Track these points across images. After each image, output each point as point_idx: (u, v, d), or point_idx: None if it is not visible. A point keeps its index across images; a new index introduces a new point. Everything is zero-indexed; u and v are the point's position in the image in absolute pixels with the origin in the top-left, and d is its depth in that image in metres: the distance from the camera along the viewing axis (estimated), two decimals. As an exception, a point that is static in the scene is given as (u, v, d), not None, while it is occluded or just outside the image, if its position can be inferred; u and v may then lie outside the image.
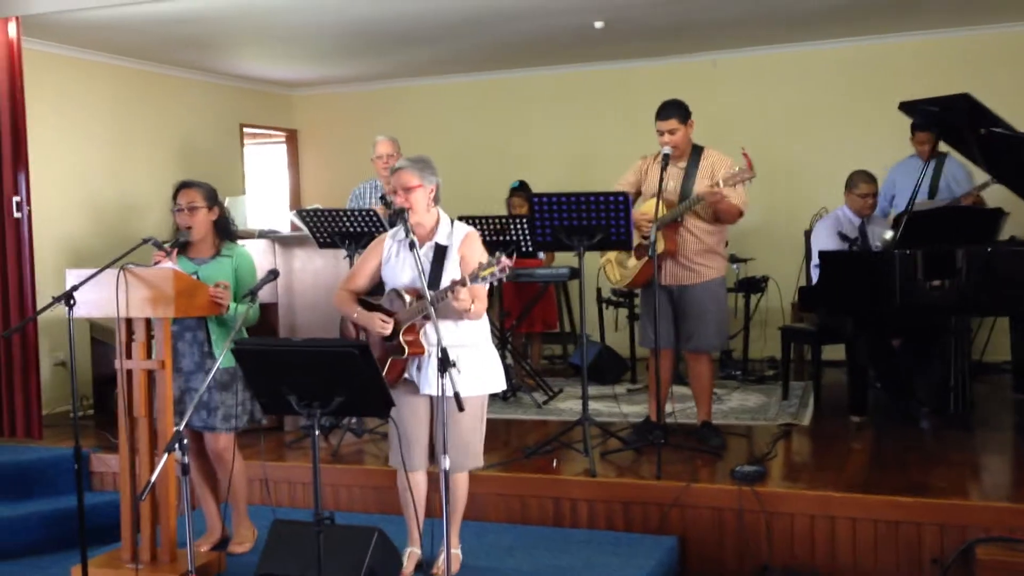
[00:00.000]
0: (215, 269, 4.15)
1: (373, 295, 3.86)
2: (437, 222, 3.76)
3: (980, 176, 6.06)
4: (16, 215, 5.83)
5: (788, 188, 7.78)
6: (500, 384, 3.83)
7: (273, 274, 3.89)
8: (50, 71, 6.89)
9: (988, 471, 4.84)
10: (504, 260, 3.38)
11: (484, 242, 5.86)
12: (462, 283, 3.44)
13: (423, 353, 3.65)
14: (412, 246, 3.57)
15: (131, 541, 4.10)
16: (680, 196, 4.96)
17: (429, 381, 3.68)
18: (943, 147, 6.01)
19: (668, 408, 5.29)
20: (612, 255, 5.20)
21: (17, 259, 5.86)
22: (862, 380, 5.65)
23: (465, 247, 3.73)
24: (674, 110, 4.98)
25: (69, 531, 4.57)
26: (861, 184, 5.88)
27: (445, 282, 3.63)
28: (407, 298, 3.64)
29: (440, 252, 3.71)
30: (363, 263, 3.88)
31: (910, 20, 7.31)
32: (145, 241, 4.12)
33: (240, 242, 4.37)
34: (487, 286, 3.52)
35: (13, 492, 5.18)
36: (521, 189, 7.52)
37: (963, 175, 6.41)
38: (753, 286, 7.30)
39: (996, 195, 5.99)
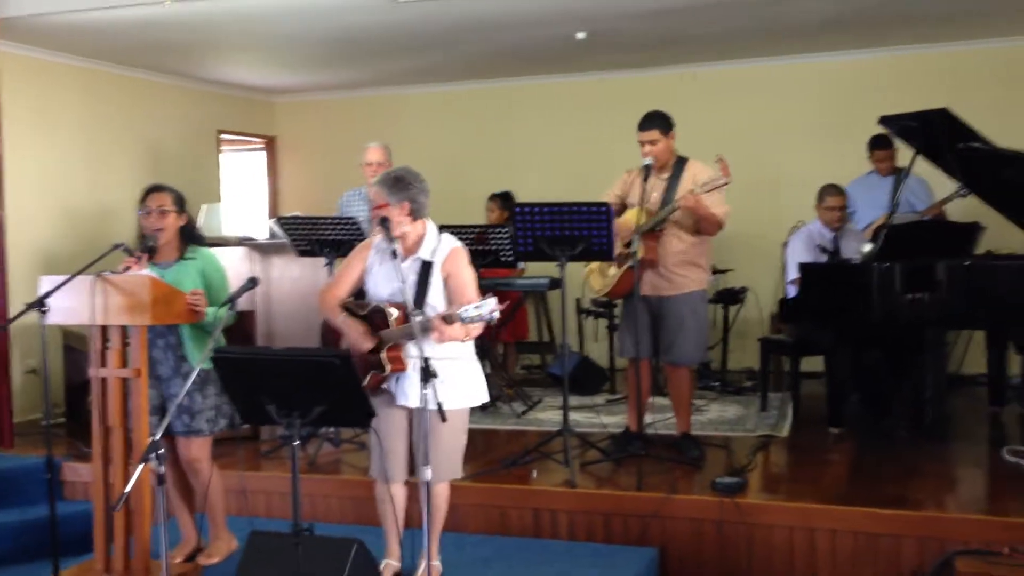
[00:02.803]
0: (180, 273, 4.10)
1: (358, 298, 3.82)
2: (422, 237, 3.71)
3: (940, 191, 6.14)
4: (-11, 220, 5.76)
5: (767, 200, 7.82)
6: (483, 397, 3.81)
7: (253, 282, 3.85)
8: (25, 74, 6.80)
9: (965, 483, 4.87)
10: (493, 304, 3.31)
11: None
12: (449, 320, 3.40)
13: (404, 370, 3.61)
14: (394, 255, 3.54)
15: (104, 552, 4.02)
16: (662, 206, 4.96)
17: (406, 393, 3.65)
18: (902, 163, 6.16)
19: (647, 419, 5.28)
20: (596, 264, 5.19)
21: (-11, 264, 5.78)
22: (840, 392, 5.67)
23: (450, 265, 3.67)
24: (655, 121, 4.99)
25: (39, 541, 4.50)
26: (828, 198, 5.98)
27: (430, 299, 3.60)
28: (392, 315, 3.58)
29: (424, 268, 3.67)
30: (347, 269, 3.84)
31: (888, 36, 7.38)
32: (116, 247, 4.07)
33: (217, 249, 4.33)
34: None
35: (-18, 501, 5.09)
36: (498, 196, 7.52)
37: (922, 190, 6.53)
38: (732, 297, 7.33)
39: (972, 210, 6.04)
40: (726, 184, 4.80)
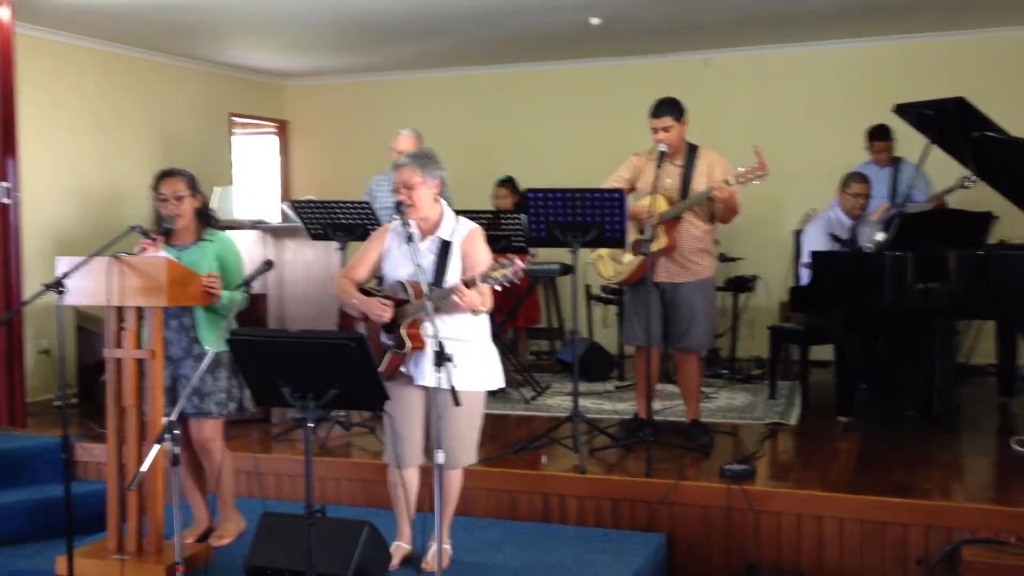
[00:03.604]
0: (197, 255, 4.13)
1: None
2: (441, 216, 3.73)
3: (940, 182, 6.17)
4: (4, 201, 5.78)
5: (778, 188, 7.72)
6: (499, 381, 3.83)
7: (268, 264, 3.87)
8: (40, 56, 6.83)
9: (973, 472, 4.88)
10: (518, 263, 3.39)
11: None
12: (471, 283, 3.43)
13: (423, 348, 3.63)
14: (410, 239, 3.56)
15: (117, 531, 4.06)
16: (683, 194, 4.96)
17: (423, 372, 3.67)
18: (899, 153, 6.34)
19: (656, 406, 5.29)
20: (605, 250, 5.19)
21: (4, 246, 5.80)
22: (849, 381, 5.67)
23: (468, 243, 3.71)
24: (669, 108, 4.98)
25: (53, 521, 4.55)
26: (854, 184, 5.95)
27: (449, 277, 3.63)
28: (411, 291, 3.62)
29: (444, 248, 3.69)
30: (364, 253, 3.85)
31: (902, 24, 7.35)
32: (132, 228, 4.09)
33: (228, 232, 4.35)
34: (494, 286, 3.50)
35: (-4, 480, 5.14)
36: (506, 183, 7.53)
37: (921, 178, 6.50)
38: (742, 285, 7.33)
39: (983, 199, 6.02)
40: (762, 176, 4.78)
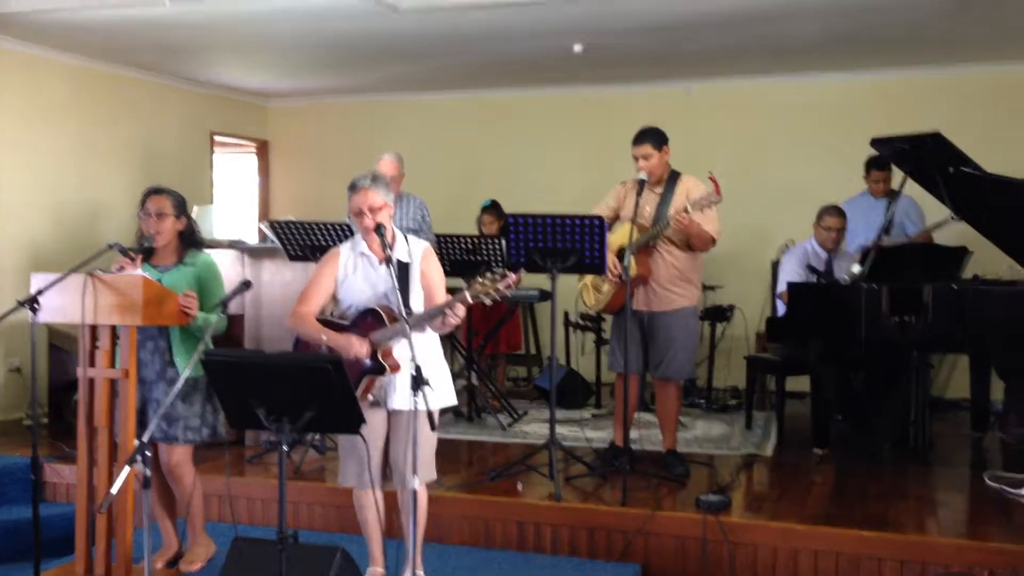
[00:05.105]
0: (178, 276, 4.09)
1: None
2: (394, 239, 3.73)
3: (932, 216, 6.18)
4: (-22, 216, 5.72)
5: (757, 217, 7.86)
6: (452, 398, 3.83)
7: (246, 285, 3.83)
8: (20, 70, 6.78)
9: (947, 507, 4.89)
10: (511, 276, 3.40)
11: (456, 261, 5.95)
12: (463, 300, 3.43)
13: (399, 371, 3.61)
14: (388, 261, 3.55)
15: (86, 554, 4.00)
16: (654, 221, 4.99)
17: (396, 396, 3.64)
18: (895, 185, 6.18)
19: (633, 434, 5.28)
20: (589, 279, 5.20)
21: (-23, 261, 5.74)
22: (825, 412, 5.69)
23: (425, 263, 3.76)
24: (649, 137, 5.02)
25: (20, 543, 4.47)
26: (827, 218, 6.02)
27: (412, 298, 3.63)
28: (386, 317, 3.60)
29: (403, 269, 3.69)
30: (317, 281, 3.78)
31: (881, 58, 7.45)
32: (111, 247, 4.05)
33: (207, 251, 4.31)
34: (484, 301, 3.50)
35: (-39, 501, 5.05)
36: (492, 207, 7.53)
37: (916, 213, 6.57)
38: (719, 314, 7.35)
39: (958, 234, 6.09)
40: (717, 202, 4.83)
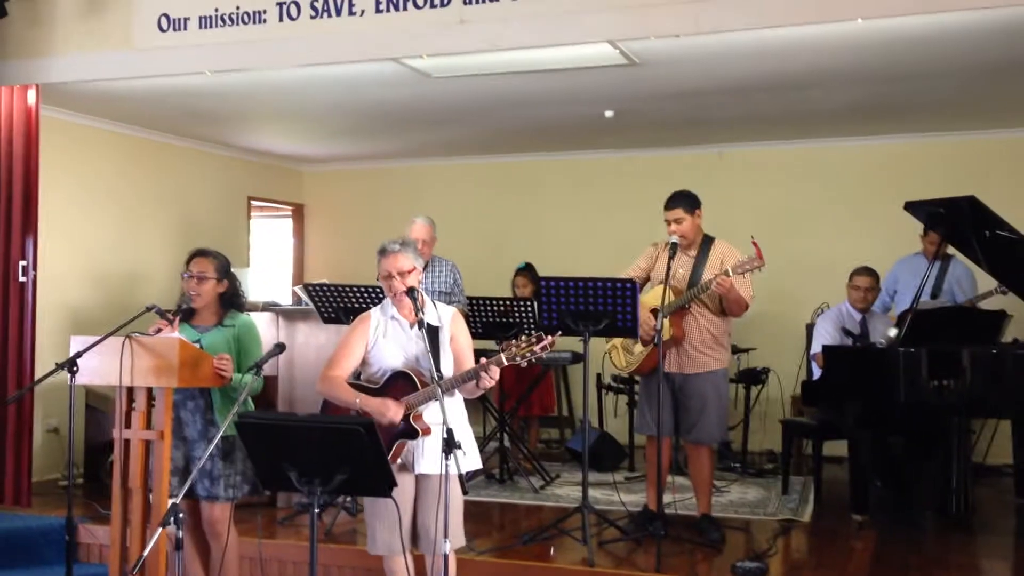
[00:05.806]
0: (217, 338, 4.14)
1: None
2: (423, 302, 3.75)
3: (984, 283, 6.11)
4: (21, 279, 5.83)
5: (790, 281, 7.81)
6: (478, 462, 3.81)
7: (280, 348, 3.88)
8: (64, 138, 6.96)
9: (991, 576, 4.77)
10: (548, 338, 3.42)
11: (489, 324, 5.97)
12: (498, 362, 3.46)
13: (430, 434, 3.61)
14: (420, 324, 3.57)
15: (117, 616, 3.99)
16: (689, 284, 4.98)
17: (425, 459, 3.63)
18: (950, 249, 6.08)
19: (667, 498, 5.22)
20: (618, 341, 5.20)
21: (19, 323, 5.84)
22: (864, 478, 5.57)
23: (455, 326, 3.77)
24: (680, 200, 5.05)
25: (54, 604, 4.47)
26: (856, 277, 6.04)
27: (443, 362, 3.64)
28: (417, 380, 3.61)
29: (432, 332, 3.70)
30: (348, 346, 3.77)
31: (911, 123, 7.47)
32: (148, 309, 4.11)
33: (248, 313, 4.36)
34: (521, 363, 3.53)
35: (-3, 561, 5.07)
36: (526, 270, 7.57)
37: (968, 279, 6.45)
38: (754, 377, 7.28)
39: (996, 298, 6.03)
40: (760, 267, 4.82)
